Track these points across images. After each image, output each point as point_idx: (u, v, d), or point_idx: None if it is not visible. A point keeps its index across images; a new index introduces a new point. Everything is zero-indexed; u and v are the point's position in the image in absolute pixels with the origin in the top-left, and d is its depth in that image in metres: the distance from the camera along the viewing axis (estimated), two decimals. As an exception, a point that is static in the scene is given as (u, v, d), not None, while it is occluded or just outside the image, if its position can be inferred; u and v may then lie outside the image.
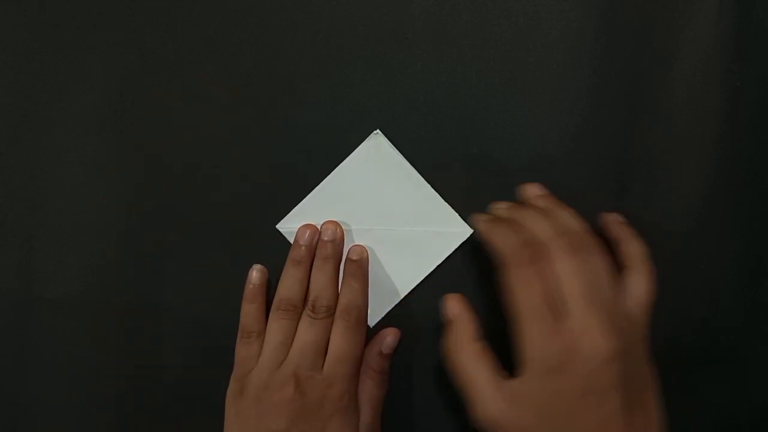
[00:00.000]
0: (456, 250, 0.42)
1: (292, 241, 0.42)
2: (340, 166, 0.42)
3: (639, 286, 0.36)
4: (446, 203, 0.42)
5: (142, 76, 0.43)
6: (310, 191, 0.42)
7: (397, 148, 0.42)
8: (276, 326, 0.39)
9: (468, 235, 0.42)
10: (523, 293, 0.34)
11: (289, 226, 0.42)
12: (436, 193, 0.42)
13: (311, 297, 0.39)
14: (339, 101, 0.43)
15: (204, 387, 0.42)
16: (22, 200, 0.44)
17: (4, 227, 0.44)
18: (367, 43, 0.43)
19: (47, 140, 0.44)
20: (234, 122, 0.43)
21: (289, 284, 0.40)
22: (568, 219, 0.37)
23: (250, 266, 0.42)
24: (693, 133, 0.42)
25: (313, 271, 0.41)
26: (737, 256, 0.42)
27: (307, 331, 0.39)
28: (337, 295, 0.40)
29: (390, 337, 0.41)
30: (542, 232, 0.35)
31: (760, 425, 0.42)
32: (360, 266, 0.41)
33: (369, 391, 0.40)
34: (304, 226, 0.41)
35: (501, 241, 0.36)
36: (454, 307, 0.37)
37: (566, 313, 0.33)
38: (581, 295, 0.33)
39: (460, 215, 0.42)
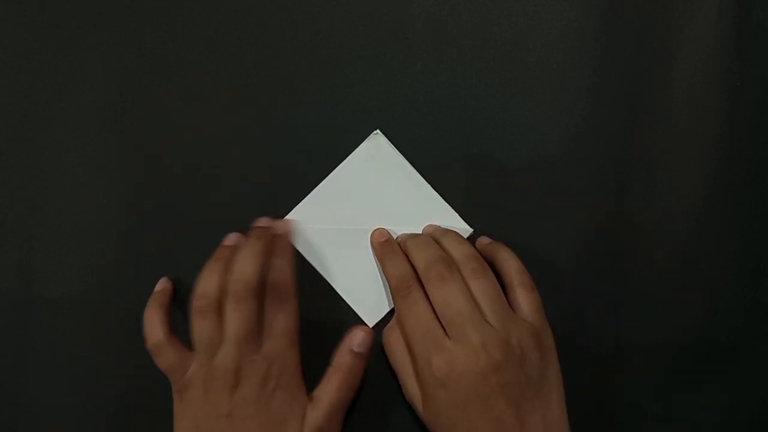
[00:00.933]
0: None
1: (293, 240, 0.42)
2: (340, 165, 0.42)
3: (523, 298, 0.38)
4: (446, 203, 0.42)
5: (142, 76, 0.43)
6: (310, 191, 0.42)
7: (397, 148, 0.42)
8: (197, 327, 0.38)
9: (468, 234, 0.42)
10: (410, 318, 0.38)
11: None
12: (436, 193, 0.42)
13: (230, 281, 0.38)
14: (339, 101, 0.43)
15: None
16: (22, 200, 0.44)
17: (4, 227, 0.44)
18: (367, 43, 0.43)
19: (47, 140, 0.44)
20: (234, 122, 0.43)
21: (204, 277, 0.39)
22: (454, 243, 0.40)
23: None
24: (693, 133, 0.42)
25: (234, 258, 0.39)
26: (737, 256, 0.42)
27: (232, 319, 0.37)
28: (257, 274, 0.38)
29: (361, 334, 0.40)
30: (426, 260, 0.38)
31: (760, 425, 0.42)
32: (283, 241, 0.41)
33: (330, 392, 0.39)
34: (232, 233, 0.41)
35: (390, 271, 0.40)
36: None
37: (449, 333, 0.36)
38: (460, 315, 0.36)
39: (459, 215, 0.42)
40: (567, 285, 0.42)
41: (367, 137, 0.42)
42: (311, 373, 0.41)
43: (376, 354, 0.42)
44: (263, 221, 0.42)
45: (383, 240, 0.42)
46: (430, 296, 0.38)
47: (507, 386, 0.35)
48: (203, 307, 0.38)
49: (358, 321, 0.43)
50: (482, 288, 0.37)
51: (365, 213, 0.42)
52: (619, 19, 0.42)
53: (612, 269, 0.42)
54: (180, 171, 0.43)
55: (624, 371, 0.42)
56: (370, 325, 0.42)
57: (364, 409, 0.42)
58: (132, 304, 0.43)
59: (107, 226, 0.43)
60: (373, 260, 0.42)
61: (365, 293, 0.42)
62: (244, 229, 0.42)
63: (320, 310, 0.42)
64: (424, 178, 0.42)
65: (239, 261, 0.38)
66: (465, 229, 0.42)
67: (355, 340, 0.39)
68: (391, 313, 0.42)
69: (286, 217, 0.42)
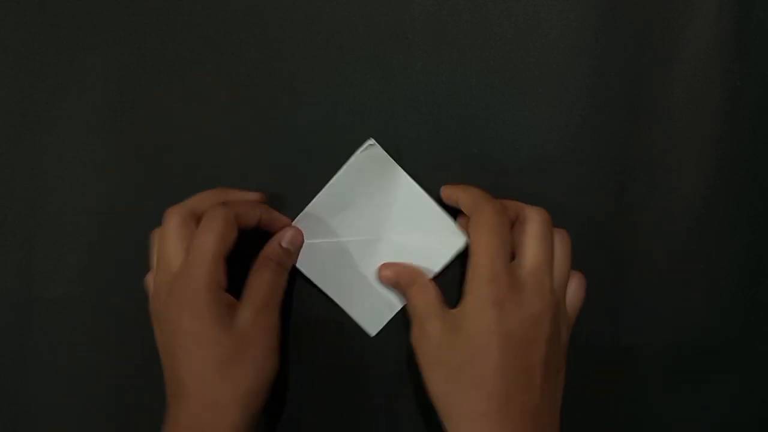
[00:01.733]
0: (454, 259, 0.41)
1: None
2: (334, 177, 0.41)
3: (575, 286, 0.39)
4: (443, 211, 0.41)
5: (142, 76, 0.43)
6: (310, 191, 0.42)
7: (397, 148, 0.42)
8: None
9: (463, 243, 0.41)
10: (492, 234, 0.36)
11: None
12: (433, 201, 0.41)
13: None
14: (339, 101, 0.43)
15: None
16: (22, 200, 0.44)
17: (4, 227, 0.44)
18: (367, 43, 0.42)
19: (47, 140, 0.44)
20: (234, 122, 0.43)
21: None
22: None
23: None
24: (693, 133, 0.42)
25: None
26: (737, 256, 0.42)
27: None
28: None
29: (290, 232, 0.41)
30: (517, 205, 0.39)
31: (760, 425, 0.42)
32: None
33: (260, 288, 0.38)
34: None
35: (478, 192, 0.39)
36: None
37: (521, 265, 0.36)
38: (540, 257, 0.36)
39: (460, 215, 0.42)
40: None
41: (360, 146, 0.41)
42: (315, 377, 0.41)
43: (377, 354, 0.42)
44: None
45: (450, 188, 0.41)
46: (524, 227, 0.37)
47: (551, 338, 0.35)
48: (171, 227, 0.38)
49: (358, 330, 0.43)
50: (563, 251, 0.38)
51: (362, 224, 0.42)
52: (619, 19, 0.42)
53: (612, 269, 0.42)
54: (180, 171, 0.43)
55: (624, 371, 0.42)
56: (372, 334, 0.42)
57: (364, 408, 0.42)
58: (132, 304, 0.43)
59: (107, 226, 0.43)
60: (372, 270, 0.42)
61: (365, 303, 0.42)
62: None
63: (319, 319, 0.43)
64: (424, 178, 0.42)
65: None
66: (458, 240, 0.41)
67: (286, 236, 0.40)
68: (391, 322, 0.42)
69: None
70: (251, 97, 0.43)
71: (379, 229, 0.42)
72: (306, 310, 0.43)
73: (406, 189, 0.41)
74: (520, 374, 0.34)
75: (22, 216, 0.44)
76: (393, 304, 0.42)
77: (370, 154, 0.41)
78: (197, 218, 0.38)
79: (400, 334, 0.42)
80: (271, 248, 0.40)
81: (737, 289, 0.42)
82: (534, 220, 0.37)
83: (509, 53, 0.42)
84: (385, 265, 0.41)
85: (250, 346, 0.36)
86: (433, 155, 0.42)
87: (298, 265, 0.42)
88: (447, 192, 0.41)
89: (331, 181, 0.41)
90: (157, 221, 0.43)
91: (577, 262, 0.42)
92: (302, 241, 0.41)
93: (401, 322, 0.42)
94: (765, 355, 0.42)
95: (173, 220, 0.38)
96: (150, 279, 0.39)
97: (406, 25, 0.42)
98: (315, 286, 0.42)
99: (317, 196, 0.41)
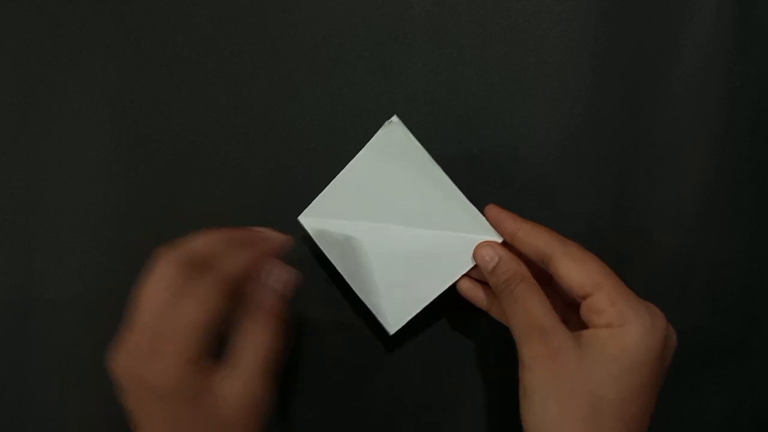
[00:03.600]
0: None
1: (312, 235, 0.40)
2: (355, 157, 0.39)
3: None
4: (470, 204, 0.38)
5: (142, 76, 0.43)
6: (311, 192, 0.42)
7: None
8: None
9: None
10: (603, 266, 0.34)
11: (308, 220, 0.40)
12: (458, 190, 0.38)
13: None
14: (339, 101, 0.43)
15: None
16: (22, 200, 0.44)
17: (4, 227, 0.44)
18: (367, 43, 0.42)
19: (47, 140, 0.44)
20: (234, 122, 0.43)
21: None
22: None
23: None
24: (693, 133, 0.42)
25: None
26: (737, 256, 0.42)
27: None
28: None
29: (276, 269, 0.33)
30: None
31: (760, 425, 0.42)
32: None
33: (252, 349, 0.32)
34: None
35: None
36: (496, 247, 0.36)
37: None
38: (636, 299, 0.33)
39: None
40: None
41: (366, 137, 0.39)
42: (326, 382, 0.41)
43: (381, 355, 0.42)
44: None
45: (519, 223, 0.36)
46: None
47: (661, 378, 0.33)
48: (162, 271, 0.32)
49: (378, 327, 0.40)
50: None
51: (385, 209, 0.39)
52: (619, 19, 0.42)
53: (612, 269, 0.42)
54: (180, 171, 0.43)
55: (624, 371, 0.42)
56: (391, 332, 0.40)
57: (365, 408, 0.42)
58: (131, 304, 0.43)
59: (107, 226, 0.43)
60: (394, 260, 0.39)
61: (387, 297, 0.39)
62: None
63: (336, 318, 0.42)
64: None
65: None
66: (494, 237, 0.38)
67: (272, 275, 0.33)
68: (413, 321, 0.39)
69: (304, 213, 0.40)
70: (251, 97, 0.43)
71: (404, 217, 0.39)
72: (318, 305, 0.42)
73: (431, 173, 0.38)
74: (653, 401, 0.32)
75: (22, 216, 0.44)
76: (418, 299, 0.39)
77: (391, 133, 0.38)
78: (196, 267, 0.31)
79: (419, 334, 0.42)
80: (261, 295, 0.33)
81: (737, 289, 0.42)
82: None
83: (509, 53, 0.42)
84: (486, 244, 0.36)
85: (238, 423, 0.30)
86: (433, 155, 0.42)
87: (320, 246, 0.40)
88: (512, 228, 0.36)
89: (352, 162, 0.39)
90: (157, 221, 0.43)
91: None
92: (296, 280, 0.34)
93: (421, 320, 0.41)
94: (765, 355, 0.42)
95: (165, 267, 0.31)
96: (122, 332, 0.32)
97: (406, 25, 0.42)
98: (325, 280, 0.42)
99: (336, 177, 0.39)
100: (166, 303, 0.30)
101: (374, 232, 0.39)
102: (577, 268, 0.33)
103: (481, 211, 0.38)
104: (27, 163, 0.44)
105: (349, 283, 0.40)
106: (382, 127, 0.38)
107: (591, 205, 0.42)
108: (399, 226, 0.39)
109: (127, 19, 0.43)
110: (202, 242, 0.32)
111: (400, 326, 0.39)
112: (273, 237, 0.33)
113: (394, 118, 0.38)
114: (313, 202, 0.40)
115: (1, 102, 0.44)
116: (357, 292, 0.40)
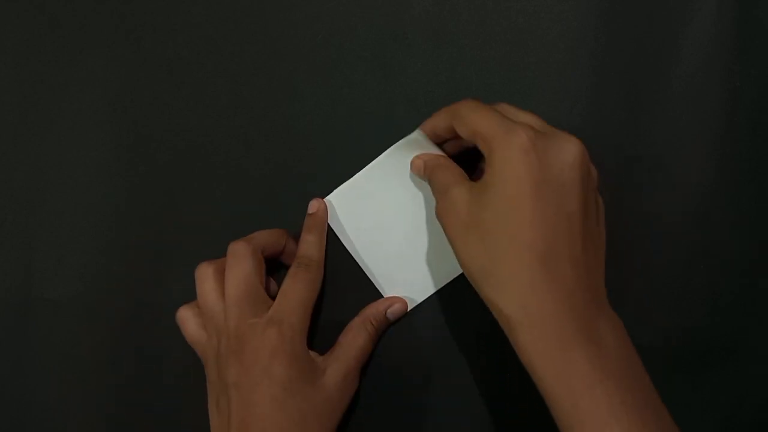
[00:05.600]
0: None
1: (334, 216, 0.41)
2: (381, 155, 0.40)
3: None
4: None
5: (142, 76, 0.43)
6: (311, 192, 0.42)
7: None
8: (200, 295, 0.39)
9: None
10: (476, 114, 0.35)
11: (336, 200, 0.42)
12: None
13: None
14: (339, 101, 0.43)
15: (204, 387, 0.42)
16: (22, 200, 0.44)
17: (4, 227, 0.44)
18: (367, 43, 0.43)
19: (47, 140, 0.44)
20: (234, 122, 0.43)
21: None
22: (512, 110, 0.37)
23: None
24: (693, 133, 0.42)
25: None
26: (737, 256, 0.42)
27: (228, 279, 0.38)
28: (257, 238, 0.40)
29: (398, 304, 0.41)
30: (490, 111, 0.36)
31: (760, 425, 0.42)
32: (315, 219, 0.41)
33: (360, 341, 0.39)
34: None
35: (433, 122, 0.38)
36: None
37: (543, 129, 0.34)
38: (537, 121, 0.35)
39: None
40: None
41: (374, 136, 0.41)
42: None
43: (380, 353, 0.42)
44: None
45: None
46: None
47: (585, 179, 0.33)
48: (203, 275, 0.38)
49: None
50: None
51: (402, 209, 0.41)
52: (619, 19, 0.42)
53: (612, 269, 0.42)
54: (180, 171, 0.43)
55: (624, 371, 0.42)
56: (409, 306, 0.41)
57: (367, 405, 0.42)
58: (132, 304, 0.43)
59: (107, 226, 0.43)
60: (409, 249, 0.41)
61: (398, 281, 0.41)
62: (244, 229, 0.42)
63: (336, 318, 0.42)
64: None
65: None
66: None
67: (393, 307, 0.40)
68: (414, 320, 0.41)
69: (326, 199, 0.42)
70: (251, 97, 0.43)
71: (423, 210, 0.41)
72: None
73: None
74: (557, 222, 0.32)
75: (22, 216, 0.44)
76: (427, 286, 0.41)
77: (416, 140, 0.40)
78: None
79: (421, 334, 0.42)
80: (375, 312, 0.40)
81: (737, 289, 0.42)
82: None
83: (509, 53, 0.42)
84: (416, 157, 0.39)
85: (331, 407, 0.37)
86: (433, 155, 0.42)
87: (334, 229, 0.41)
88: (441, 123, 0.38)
89: (377, 160, 0.40)
90: (157, 221, 0.43)
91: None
92: (404, 314, 0.41)
93: (421, 320, 0.42)
94: (765, 355, 0.42)
95: (249, 261, 0.38)
96: (188, 313, 0.39)
97: (406, 25, 0.42)
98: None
99: (361, 172, 0.41)
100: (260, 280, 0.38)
101: (395, 216, 0.41)
102: (461, 128, 0.35)
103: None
104: (27, 163, 0.44)
105: (362, 266, 0.41)
106: (409, 135, 0.40)
107: (591, 205, 0.42)
108: (419, 214, 0.41)
109: (127, 19, 0.43)
110: (264, 235, 0.41)
111: (420, 300, 0.41)
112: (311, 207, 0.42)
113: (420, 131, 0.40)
114: (332, 193, 0.41)
115: (1, 102, 0.44)
116: (369, 274, 0.41)
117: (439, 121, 0.38)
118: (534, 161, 0.32)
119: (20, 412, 0.44)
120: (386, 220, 0.41)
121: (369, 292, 0.42)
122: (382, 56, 0.42)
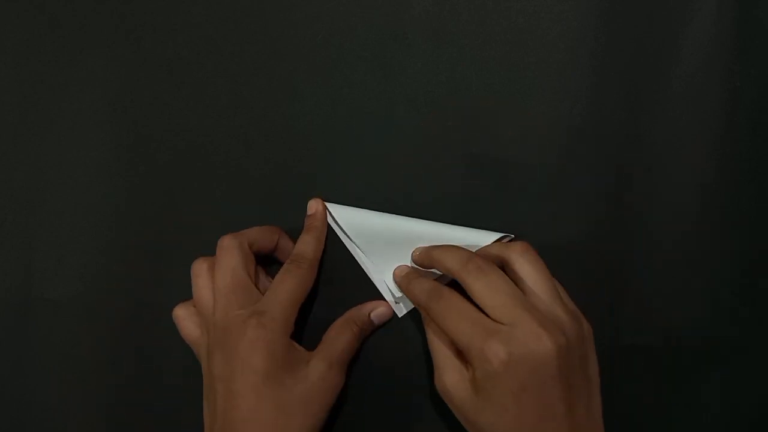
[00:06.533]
0: None
1: (336, 213, 0.42)
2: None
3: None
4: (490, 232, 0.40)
5: (142, 76, 0.43)
6: (311, 192, 0.42)
7: (397, 148, 0.42)
8: (194, 289, 0.39)
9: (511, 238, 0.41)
10: (451, 316, 0.35)
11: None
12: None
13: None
14: (339, 101, 0.43)
15: (204, 387, 0.42)
16: (22, 200, 0.44)
17: (4, 227, 0.44)
18: (367, 43, 0.43)
19: (47, 140, 0.44)
20: (234, 122, 0.43)
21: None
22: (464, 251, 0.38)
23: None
24: (693, 133, 0.42)
25: None
26: (737, 256, 0.42)
27: (216, 271, 0.38)
28: (247, 233, 0.40)
29: (382, 308, 0.42)
30: (461, 257, 0.37)
31: (760, 425, 0.42)
32: (314, 220, 0.42)
33: (338, 344, 0.39)
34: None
35: (416, 287, 0.39)
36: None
37: (501, 319, 0.34)
38: (511, 297, 0.35)
39: (459, 216, 0.41)
40: (566, 285, 0.42)
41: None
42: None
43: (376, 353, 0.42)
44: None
45: (403, 275, 0.41)
46: (471, 289, 0.35)
47: (565, 370, 0.33)
48: (197, 271, 0.39)
49: (379, 327, 0.42)
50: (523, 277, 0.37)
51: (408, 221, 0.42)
52: (619, 19, 0.42)
53: (611, 269, 0.42)
54: (180, 171, 0.43)
55: (623, 371, 0.42)
56: (399, 314, 0.42)
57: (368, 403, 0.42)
58: (132, 304, 0.43)
59: (107, 226, 0.43)
60: (415, 245, 0.41)
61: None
62: (243, 230, 0.42)
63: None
64: (425, 178, 0.42)
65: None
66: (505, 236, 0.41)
67: (377, 310, 0.41)
68: (414, 319, 0.41)
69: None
70: (251, 97, 0.43)
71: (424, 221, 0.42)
72: (319, 305, 0.43)
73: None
74: (542, 423, 0.33)
75: (22, 216, 0.44)
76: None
77: None
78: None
79: (420, 334, 0.42)
80: (358, 313, 0.41)
81: (737, 289, 0.42)
82: (521, 261, 0.37)
83: (509, 53, 0.42)
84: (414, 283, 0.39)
85: (314, 400, 0.37)
86: (433, 155, 0.42)
87: (341, 223, 0.42)
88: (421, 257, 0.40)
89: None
90: (157, 221, 0.43)
91: (576, 263, 0.42)
92: (389, 319, 0.42)
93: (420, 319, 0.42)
94: (764, 355, 0.42)
95: (236, 254, 0.38)
96: (184, 311, 0.40)
97: (406, 25, 0.42)
98: (326, 279, 0.42)
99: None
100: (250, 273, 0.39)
101: (398, 220, 0.41)
102: (437, 327, 0.37)
103: (481, 212, 0.40)
104: (27, 163, 0.44)
105: (363, 265, 0.42)
106: None
107: (591, 205, 0.42)
108: (421, 221, 0.41)
109: (127, 19, 0.43)
110: (254, 232, 0.41)
111: (407, 310, 0.42)
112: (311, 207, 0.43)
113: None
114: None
115: (1, 102, 0.44)
116: (369, 274, 0.42)
117: (440, 258, 0.38)
118: (512, 372, 0.33)
119: (20, 412, 0.44)
120: (389, 221, 0.41)
121: (369, 291, 0.42)
122: (382, 56, 0.42)
